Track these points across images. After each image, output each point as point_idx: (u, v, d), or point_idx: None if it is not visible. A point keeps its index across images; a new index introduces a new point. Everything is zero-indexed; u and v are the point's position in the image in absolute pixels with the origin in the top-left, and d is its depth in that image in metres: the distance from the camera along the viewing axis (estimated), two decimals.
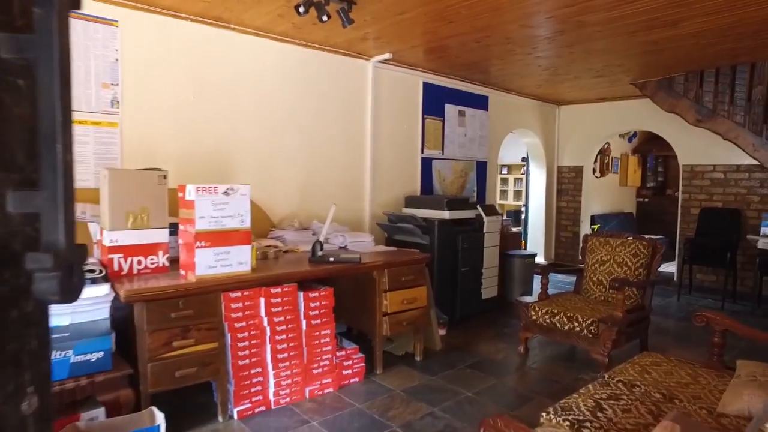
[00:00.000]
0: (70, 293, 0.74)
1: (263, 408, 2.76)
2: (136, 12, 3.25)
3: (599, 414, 1.83)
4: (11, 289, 0.58)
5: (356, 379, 3.18)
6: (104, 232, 2.56)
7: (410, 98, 5.06)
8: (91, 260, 2.60)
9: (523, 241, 6.95)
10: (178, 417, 2.61)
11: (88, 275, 2.25)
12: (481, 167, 5.89)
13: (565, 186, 7.31)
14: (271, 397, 2.79)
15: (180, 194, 2.60)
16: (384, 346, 3.42)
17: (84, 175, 3.12)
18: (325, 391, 3.00)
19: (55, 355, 1.95)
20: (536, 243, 7.21)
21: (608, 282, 3.69)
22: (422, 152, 5.18)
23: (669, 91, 5.20)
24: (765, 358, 2.40)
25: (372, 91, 4.64)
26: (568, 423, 1.78)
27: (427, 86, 5.15)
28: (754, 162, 5.13)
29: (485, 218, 4.73)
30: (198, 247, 2.48)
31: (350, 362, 3.15)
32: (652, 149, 9.01)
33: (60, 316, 2.02)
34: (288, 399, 2.85)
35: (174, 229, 2.77)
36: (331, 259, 3.09)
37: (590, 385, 2.12)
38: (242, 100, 3.82)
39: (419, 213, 4.46)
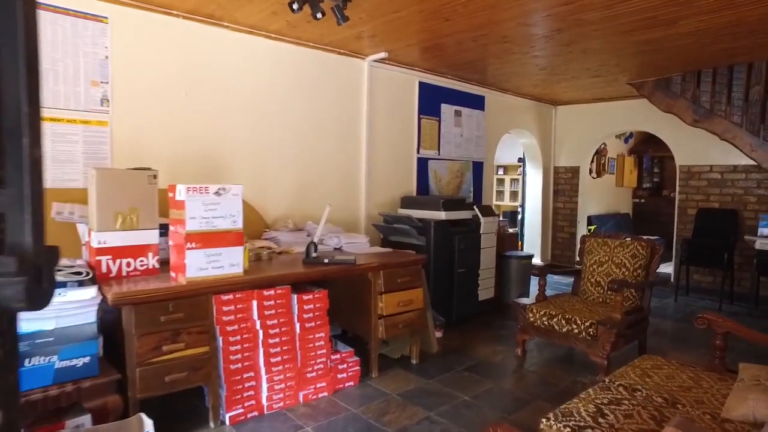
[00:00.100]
0: (38, 300, 0.67)
1: (256, 413, 2.70)
2: (127, 8, 3.19)
3: (600, 420, 1.78)
4: None
5: (351, 383, 3.12)
6: (92, 233, 2.50)
7: (406, 98, 5.01)
8: (78, 262, 2.53)
9: (519, 242, 6.92)
10: (168, 423, 2.55)
11: (75, 278, 2.19)
12: (478, 168, 5.84)
13: (562, 187, 7.28)
14: (264, 402, 2.73)
15: (170, 194, 2.54)
16: (380, 349, 3.37)
17: (73, 175, 3.06)
18: (320, 395, 2.94)
19: (39, 360, 1.88)
20: (533, 244, 7.18)
21: (607, 283, 3.65)
22: (418, 152, 5.13)
23: (666, 91, 5.18)
24: (765, 360, 2.36)
25: (367, 90, 4.59)
26: (569, 429, 1.73)
27: (423, 86, 5.11)
28: (751, 162, 5.11)
29: (482, 219, 4.68)
30: (188, 249, 2.42)
31: (345, 366, 3.09)
32: (648, 150, 9.00)
33: (44, 320, 1.95)
34: (281, 404, 2.78)
35: (164, 230, 2.70)
36: (326, 261, 3.03)
37: (590, 389, 2.07)
38: (235, 98, 3.75)
39: (415, 214, 4.41)
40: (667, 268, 6.38)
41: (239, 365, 2.63)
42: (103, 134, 3.16)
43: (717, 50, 4.24)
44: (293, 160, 4.13)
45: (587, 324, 3.23)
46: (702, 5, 3.19)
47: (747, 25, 3.59)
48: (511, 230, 5.86)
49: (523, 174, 7.63)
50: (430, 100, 5.20)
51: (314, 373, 2.92)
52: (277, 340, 2.76)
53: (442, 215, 4.32)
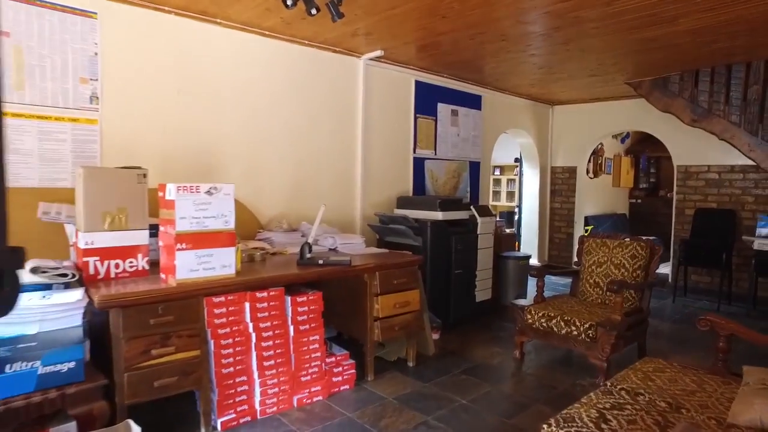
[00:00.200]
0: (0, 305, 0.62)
1: (248, 418, 2.63)
2: (117, 4, 3.12)
3: (603, 426, 1.73)
4: None
5: (347, 387, 3.05)
6: (79, 233, 2.42)
7: (402, 97, 4.96)
8: (65, 263, 2.45)
9: (517, 243, 6.87)
10: (158, 429, 2.48)
11: (60, 279, 2.12)
12: (475, 167, 5.80)
13: (559, 187, 7.24)
14: (257, 406, 2.66)
15: (160, 194, 2.47)
16: (375, 351, 3.31)
17: (61, 174, 2.98)
18: (314, 399, 2.88)
19: (21, 366, 1.81)
20: (530, 244, 7.13)
21: (606, 284, 3.60)
22: (414, 152, 5.07)
23: (664, 91, 5.15)
24: (767, 362, 2.32)
25: (363, 89, 4.53)
26: None
27: (419, 85, 5.05)
28: (749, 162, 5.08)
29: (479, 219, 4.63)
30: (179, 250, 2.35)
31: (340, 369, 3.03)
32: (644, 150, 8.99)
33: (27, 324, 1.88)
34: (275, 408, 2.72)
35: (155, 230, 2.63)
36: (320, 262, 2.97)
37: (592, 393, 2.02)
38: (228, 96, 3.69)
39: (411, 214, 4.36)
40: (664, 269, 6.35)
41: (231, 369, 2.56)
42: (93, 132, 3.09)
43: (715, 49, 4.21)
44: (287, 159, 4.06)
45: (586, 326, 3.18)
46: (701, 3, 3.15)
47: (746, 24, 3.55)
48: (508, 231, 5.81)
49: (520, 174, 7.59)
50: (427, 100, 5.15)
51: (309, 377, 2.85)
52: (271, 343, 2.69)
53: (438, 215, 4.27)
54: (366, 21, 3.58)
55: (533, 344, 3.92)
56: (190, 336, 2.38)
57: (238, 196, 3.46)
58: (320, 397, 2.89)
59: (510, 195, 9.22)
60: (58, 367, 1.91)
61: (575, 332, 3.24)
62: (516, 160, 8.43)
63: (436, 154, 5.29)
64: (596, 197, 8.01)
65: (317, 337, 2.88)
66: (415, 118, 5.05)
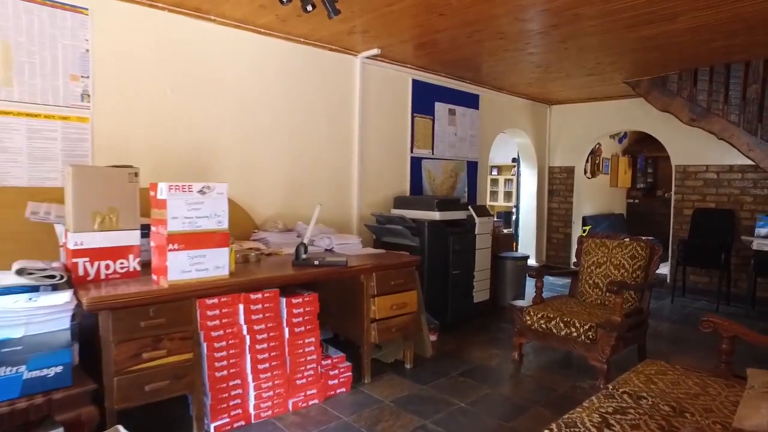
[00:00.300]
0: None
1: (242, 422, 2.57)
2: (109, 0, 3.05)
3: (606, 431, 1.68)
4: None
5: (343, 390, 3.00)
6: (68, 234, 2.36)
7: (399, 96, 4.91)
8: (54, 264, 2.40)
9: (514, 243, 6.83)
10: None
11: (48, 281, 2.06)
12: (472, 167, 5.75)
13: (557, 187, 7.21)
14: (251, 410, 2.60)
15: (152, 193, 2.41)
16: (372, 353, 3.25)
17: (51, 173, 2.92)
18: (310, 402, 2.82)
19: (5, 371, 1.74)
20: (527, 245, 7.10)
21: (605, 285, 3.56)
22: (411, 151, 5.02)
23: (662, 90, 5.12)
24: (767, 363, 2.28)
25: (359, 87, 4.48)
26: None
27: (416, 83, 5.00)
28: (747, 162, 5.06)
29: (477, 219, 4.59)
30: (171, 250, 2.29)
31: (336, 371, 2.98)
32: (642, 150, 8.97)
33: (12, 327, 1.82)
34: (270, 412, 2.66)
35: (147, 230, 2.57)
36: (316, 263, 2.92)
37: (594, 397, 1.97)
38: (222, 95, 3.63)
39: (409, 214, 4.31)
40: (663, 269, 6.32)
41: (225, 372, 2.51)
42: (84, 130, 3.03)
43: (714, 48, 4.18)
44: (283, 158, 4.01)
45: (586, 327, 3.14)
46: (701, 0, 3.12)
47: (745, 22, 3.52)
48: (505, 231, 5.77)
49: (518, 174, 7.55)
50: (424, 99, 5.10)
51: (304, 380, 2.80)
52: (265, 345, 2.64)
53: (436, 215, 4.22)
54: (362, 18, 3.53)
55: (532, 346, 3.88)
56: (183, 339, 2.33)
57: (232, 196, 3.42)
58: (316, 401, 2.84)
59: (507, 195, 9.20)
60: (45, 371, 1.84)
61: (575, 334, 3.19)
62: (513, 160, 8.39)
63: (433, 153, 5.25)
64: (594, 197, 7.98)
65: (313, 339, 2.83)
66: (413, 118, 5.00)
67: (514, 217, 7.89)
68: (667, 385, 2.10)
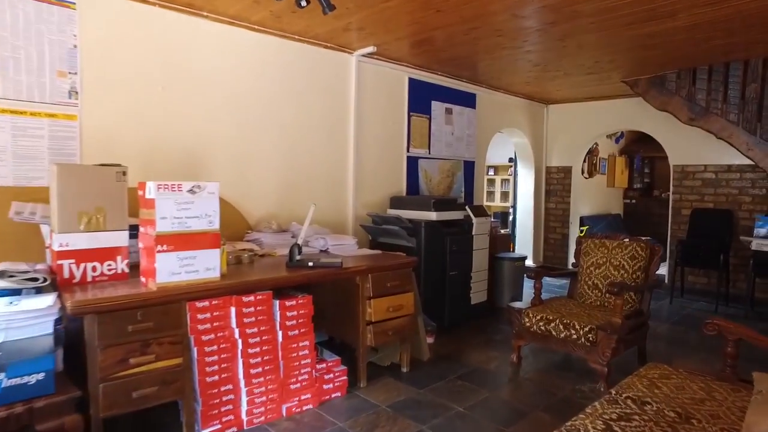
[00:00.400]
0: None
1: (235, 429, 2.50)
2: None
3: None
4: None
5: (338, 394, 2.93)
6: (53, 234, 2.28)
7: (395, 94, 4.84)
8: (38, 266, 2.32)
9: (512, 244, 6.78)
10: None
11: (30, 284, 1.98)
12: (469, 167, 5.69)
13: (554, 187, 7.16)
14: (243, 416, 2.53)
15: (140, 192, 2.33)
16: (368, 356, 3.19)
17: (37, 173, 2.84)
18: (304, 408, 2.75)
19: None
20: (524, 245, 7.04)
21: (605, 286, 3.50)
22: (408, 151, 4.96)
23: (661, 89, 5.07)
24: (767, 365, 2.23)
25: (355, 86, 4.41)
26: None
27: (412, 82, 4.94)
28: (746, 162, 5.02)
29: (474, 219, 4.53)
30: (159, 252, 2.21)
31: (331, 375, 2.91)
32: (639, 150, 8.94)
33: None
34: (263, 418, 2.59)
35: (135, 231, 2.49)
36: (311, 264, 2.85)
37: (597, 403, 1.91)
38: (215, 92, 3.55)
39: (405, 214, 4.24)
40: (661, 270, 6.28)
41: (216, 377, 2.43)
42: (72, 128, 2.95)
43: (713, 46, 4.14)
44: (277, 158, 3.93)
45: (586, 329, 3.08)
46: None
47: (745, 20, 3.48)
48: (502, 231, 5.71)
49: (515, 174, 7.50)
50: (420, 97, 5.04)
51: (298, 384, 2.73)
52: (258, 349, 2.56)
53: (433, 216, 4.16)
54: (358, 15, 3.46)
55: (530, 348, 3.82)
56: (172, 343, 2.25)
57: (225, 196, 3.34)
58: (310, 406, 2.77)
59: (504, 195, 9.15)
60: (26, 378, 1.77)
61: (574, 336, 3.13)
62: (510, 159, 8.34)
63: (430, 153, 5.18)
64: (591, 197, 7.94)
65: (307, 342, 2.76)
66: (409, 117, 4.94)
67: (511, 218, 7.83)
68: (671, 389, 2.04)
